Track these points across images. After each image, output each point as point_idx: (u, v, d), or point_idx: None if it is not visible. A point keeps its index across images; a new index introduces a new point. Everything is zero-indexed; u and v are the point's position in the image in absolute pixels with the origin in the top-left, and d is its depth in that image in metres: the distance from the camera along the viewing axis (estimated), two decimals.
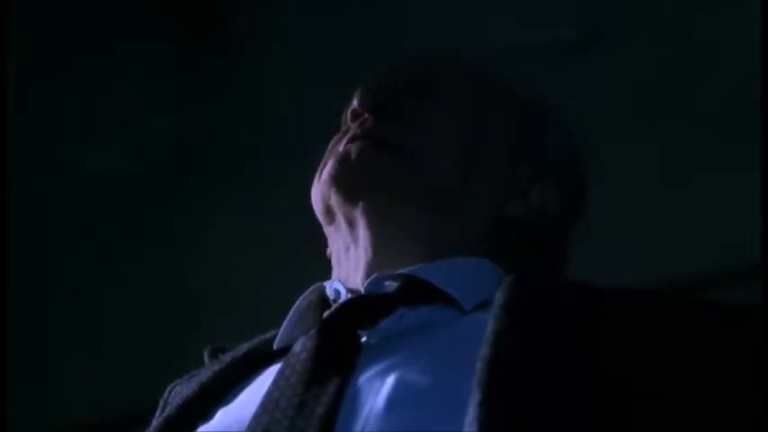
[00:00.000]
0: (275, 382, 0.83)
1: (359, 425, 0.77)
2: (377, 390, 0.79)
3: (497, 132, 1.06)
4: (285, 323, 0.99)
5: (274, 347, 0.98)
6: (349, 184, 1.00)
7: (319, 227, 1.07)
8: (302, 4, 1.83)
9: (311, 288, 1.01)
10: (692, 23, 1.63)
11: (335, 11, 1.78)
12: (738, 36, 1.57)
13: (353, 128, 1.04)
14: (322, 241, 1.08)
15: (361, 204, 1.00)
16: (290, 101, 1.82)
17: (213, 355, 1.04)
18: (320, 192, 1.02)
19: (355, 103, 1.06)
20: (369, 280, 0.96)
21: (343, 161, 1.01)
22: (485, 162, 1.04)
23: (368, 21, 1.74)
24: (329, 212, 1.03)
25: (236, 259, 1.84)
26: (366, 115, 1.04)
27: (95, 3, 1.92)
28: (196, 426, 0.90)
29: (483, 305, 0.91)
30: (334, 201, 1.01)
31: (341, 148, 1.02)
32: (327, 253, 1.08)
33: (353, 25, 1.75)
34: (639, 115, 1.62)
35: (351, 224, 1.01)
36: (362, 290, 0.96)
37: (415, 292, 0.94)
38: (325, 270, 1.07)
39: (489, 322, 0.81)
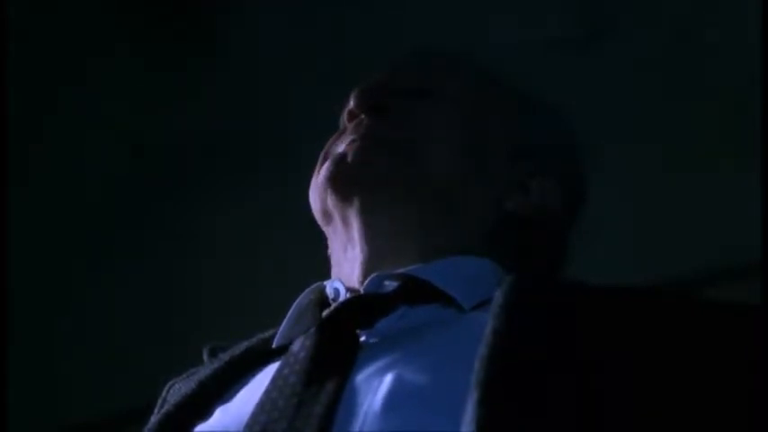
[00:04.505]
0: (273, 381, 0.83)
1: (357, 424, 0.77)
2: (375, 388, 0.79)
3: (497, 129, 1.06)
4: (284, 322, 0.99)
5: (273, 346, 0.98)
6: (345, 183, 1.00)
7: (319, 227, 1.07)
8: (302, 3, 1.83)
9: (311, 287, 1.01)
10: (692, 23, 1.63)
11: (334, 10, 1.78)
12: (738, 36, 1.57)
13: (350, 129, 1.04)
14: (322, 241, 1.08)
15: (357, 203, 1.00)
16: (291, 101, 1.82)
17: (212, 354, 1.04)
18: (317, 194, 1.02)
19: (352, 103, 1.06)
20: (368, 279, 0.96)
21: (340, 162, 1.01)
22: (485, 159, 1.04)
23: (367, 19, 1.73)
24: (327, 214, 1.03)
25: (236, 259, 1.84)
26: (362, 116, 1.04)
27: (94, 3, 1.92)
28: (195, 423, 0.90)
29: (483, 304, 0.91)
30: (331, 202, 1.01)
31: (338, 150, 1.02)
32: (328, 253, 1.08)
33: (352, 24, 1.75)
34: (639, 114, 1.62)
35: (347, 224, 1.01)
36: (362, 290, 0.96)
37: (415, 291, 0.94)
38: (325, 270, 1.07)
39: (489, 321, 0.81)
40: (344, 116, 1.07)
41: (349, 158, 1.01)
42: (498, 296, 0.84)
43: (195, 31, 1.92)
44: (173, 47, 1.93)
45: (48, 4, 1.90)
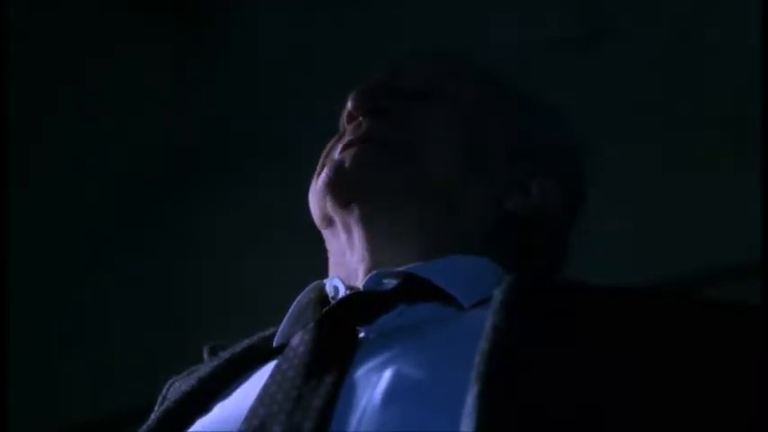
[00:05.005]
0: (272, 375, 0.83)
1: (356, 418, 0.77)
2: (374, 383, 0.79)
3: (497, 129, 1.06)
4: (285, 320, 0.99)
5: (274, 344, 0.98)
6: (344, 191, 1.00)
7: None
8: (302, 3, 1.84)
9: (311, 286, 1.01)
10: (692, 23, 1.63)
11: (334, 9, 1.78)
12: (738, 36, 1.57)
13: (349, 131, 1.04)
14: (322, 241, 1.08)
15: (357, 208, 1.00)
16: (290, 100, 1.82)
17: (213, 353, 1.04)
18: (316, 199, 1.02)
19: (350, 105, 1.05)
20: (368, 277, 0.96)
21: (339, 169, 1.01)
22: (484, 159, 1.04)
23: (366, 18, 1.74)
24: (327, 218, 1.03)
25: (236, 259, 1.84)
26: (360, 118, 1.04)
27: (94, 3, 1.92)
28: (194, 420, 0.90)
29: (482, 303, 0.91)
30: (330, 207, 1.01)
31: (336, 155, 1.02)
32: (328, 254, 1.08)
33: (352, 23, 1.75)
34: (639, 115, 1.62)
35: (348, 229, 1.01)
36: (361, 287, 0.97)
37: (414, 289, 0.94)
38: (325, 270, 1.07)
39: (488, 318, 0.81)
40: (344, 118, 1.07)
41: (347, 163, 1.00)
42: (498, 294, 0.84)
43: (195, 31, 1.92)
44: (173, 47, 1.93)
45: (48, 4, 1.90)
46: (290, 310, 1.00)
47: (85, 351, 1.89)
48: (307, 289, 1.01)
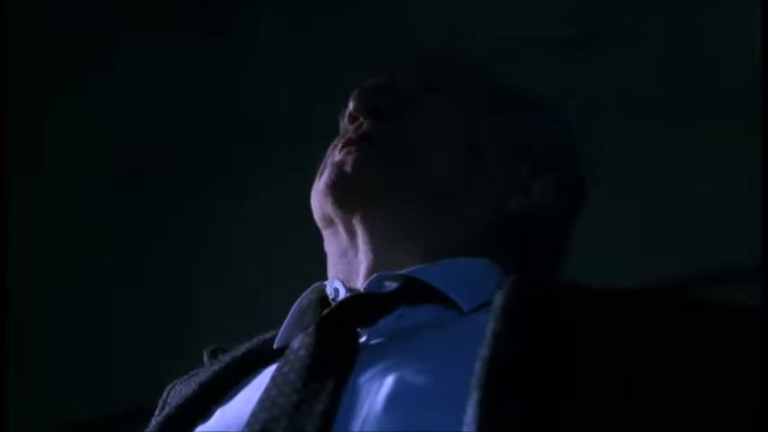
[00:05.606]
0: (273, 379, 0.83)
1: (357, 424, 0.77)
2: (376, 389, 0.79)
3: (497, 130, 1.06)
4: (285, 322, 0.99)
5: (274, 347, 0.98)
6: (346, 195, 1.00)
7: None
8: (301, 3, 1.84)
9: (311, 287, 1.01)
10: (692, 23, 1.63)
11: (335, 8, 1.78)
12: (738, 36, 1.57)
13: (350, 132, 1.04)
14: (321, 241, 1.08)
15: (359, 211, 1.00)
16: (291, 101, 1.82)
17: (213, 356, 1.04)
18: (318, 200, 1.02)
19: (351, 105, 1.05)
20: (369, 279, 0.96)
21: (340, 171, 1.00)
22: (484, 160, 1.04)
23: (367, 18, 1.74)
24: (327, 219, 1.03)
25: (236, 259, 1.84)
26: (361, 118, 1.04)
27: (96, 3, 1.92)
28: (195, 425, 0.90)
29: (483, 306, 0.91)
30: (332, 210, 1.01)
31: (337, 155, 1.02)
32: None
33: (353, 23, 1.75)
34: (639, 114, 1.62)
35: (350, 231, 1.01)
36: (362, 289, 0.96)
37: (415, 292, 0.94)
38: (325, 270, 1.07)
39: (489, 323, 0.81)
40: (345, 119, 1.07)
41: (348, 166, 1.00)
42: (498, 298, 0.84)
43: (196, 32, 1.92)
44: (174, 48, 1.93)
45: (48, 6, 1.90)
46: (291, 313, 0.99)
47: (85, 351, 1.89)
48: (307, 291, 1.01)
